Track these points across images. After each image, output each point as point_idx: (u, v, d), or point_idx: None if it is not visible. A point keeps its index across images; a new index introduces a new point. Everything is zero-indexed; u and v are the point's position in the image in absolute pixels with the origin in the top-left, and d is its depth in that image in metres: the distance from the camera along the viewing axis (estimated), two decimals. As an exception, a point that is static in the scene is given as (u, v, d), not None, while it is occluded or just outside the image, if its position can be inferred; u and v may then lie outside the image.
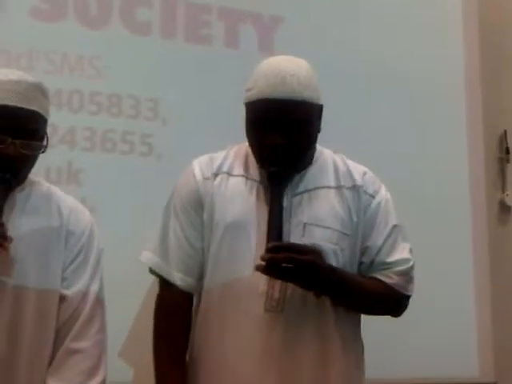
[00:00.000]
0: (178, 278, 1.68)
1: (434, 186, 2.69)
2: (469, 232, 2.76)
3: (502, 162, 2.92)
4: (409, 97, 2.73)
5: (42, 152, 1.59)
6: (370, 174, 1.76)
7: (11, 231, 1.47)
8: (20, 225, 1.54)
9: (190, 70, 2.42)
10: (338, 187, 1.71)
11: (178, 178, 1.78)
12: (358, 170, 1.76)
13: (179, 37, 2.44)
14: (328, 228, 1.66)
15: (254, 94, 1.64)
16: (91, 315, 1.58)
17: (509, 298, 2.82)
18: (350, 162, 1.77)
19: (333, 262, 1.63)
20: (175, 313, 1.68)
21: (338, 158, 1.77)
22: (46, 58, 2.27)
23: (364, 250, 1.70)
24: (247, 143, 1.72)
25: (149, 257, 1.72)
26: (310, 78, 1.65)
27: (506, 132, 2.93)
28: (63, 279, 1.58)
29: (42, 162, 2.16)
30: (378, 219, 1.71)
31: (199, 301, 1.71)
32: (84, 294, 1.58)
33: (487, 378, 2.73)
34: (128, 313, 2.14)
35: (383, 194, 1.75)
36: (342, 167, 1.75)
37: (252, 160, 1.72)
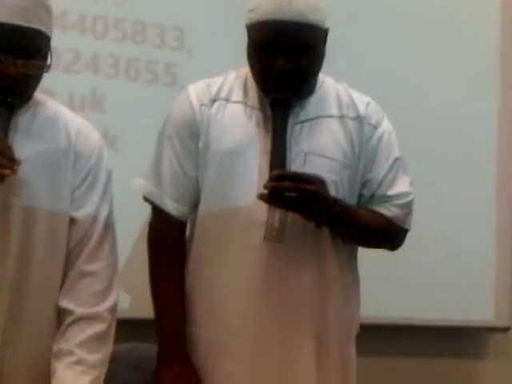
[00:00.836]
0: (171, 206, 1.64)
1: (462, 133, 2.66)
2: (494, 176, 2.73)
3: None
4: (440, 42, 2.65)
5: (46, 71, 1.53)
6: (373, 104, 1.71)
7: (18, 154, 1.43)
8: (26, 147, 1.50)
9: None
10: (341, 117, 1.66)
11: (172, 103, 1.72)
12: (361, 99, 1.70)
13: (208, -36, 2.38)
14: (330, 158, 1.62)
15: (259, 15, 1.57)
16: (102, 238, 1.56)
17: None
18: (353, 92, 1.71)
19: (333, 192, 1.60)
20: (169, 240, 1.66)
21: (341, 87, 1.71)
22: (70, -19, 2.23)
23: (365, 183, 1.67)
24: (247, 68, 1.66)
25: (142, 184, 1.67)
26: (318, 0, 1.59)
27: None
28: (72, 200, 1.56)
29: (66, 87, 2.19)
30: (380, 151, 1.67)
31: (192, 231, 1.67)
32: (94, 218, 1.56)
33: (501, 323, 2.74)
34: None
35: (386, 125, 1.70)
36: (344, 97, 1.69)
37: (251, 86, 1.66)
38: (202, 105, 1.65)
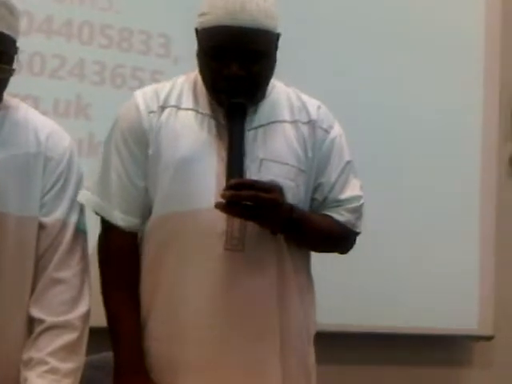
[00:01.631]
0: (119, 219, 1.58)
1: (446, 135, 2.68)
2: (477, 182, 2.75)
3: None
4: (425, 44, 2.68)
5: (10, 75, 1.48)
6: (323, 109, 1.69)
7: None
8: None
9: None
10: (294, 121, 1.64)
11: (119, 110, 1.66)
12: (312, 104, 1.68)
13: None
14: (285, 164, 1.59)
15: (211, 21, 1.53)
16: (71, 245, 1.53)
17: (513, 252, 2.82)
18: (304, 96, 1.69)
19: (289, 198, 1.57)
20: (120, 253, 1.59)
21: (292, 92, 1.69)
22: (56, -14, 2.22)
23: (317, 187, 1.65)
24: (195, 72, 1.63)
25: (87, 197, 1.59)
26: (270, 3, 1.55)
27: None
28: (42, 206, 1.52)
29: (51, 93, 2.18)
30: (332, 155, 1.65)
31: (145, 241, 1.60)
32: (63, 223, 1.53)
33: (485, 332, 2.75)
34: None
35: (337, 129, 1.69)
36: (295, 101, 1.67)
37: (201, 91, 1.62)
38: (150, 112, 1.60)
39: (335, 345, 2.38)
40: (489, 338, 2.77)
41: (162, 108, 1.60)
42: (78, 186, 1.57)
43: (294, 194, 1.60)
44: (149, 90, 1.64)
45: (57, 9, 2.19)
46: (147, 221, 1.60)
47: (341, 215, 1.65)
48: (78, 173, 1.58)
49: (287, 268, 1.61)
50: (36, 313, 1.50)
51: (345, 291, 2.45)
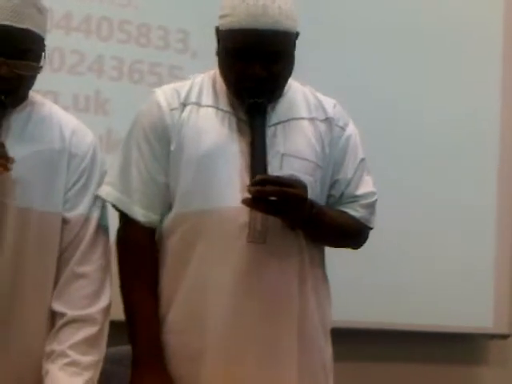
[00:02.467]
0: (139, 214, 1.59)
1: (463, 133, 2.67)
2: (494, 178, 2.75)
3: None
4: (445, 46, 2.67)
5: (38, 73, 1.51)
6: (339, 107, 1.72)
7: (11, 154, 1.42)
8: (20, 148, 1.48)
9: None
10: (311, 119, 1.67)
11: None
12: (328, 102, 1.71)
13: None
14: (305, 159, 1.62)
15: (234, 23, 1.56)
16: (94, 240, 1.55)
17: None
18: (319, 94, 1.72)
19: (308, 193, 1.59)
20: (141, 250, 1.61)
21: (307, 90, 1.72)
22: (75, -18, 2.24)
23: (334, 183, 1.68)
24: (213, 71, 1.66)
25: (108, 191, 1.60)
26: (290, 5, 1.58)
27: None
28: (65, 201, 1.54)
29: (70, 88, 2.19)
30: (348, 152, 1.68)
31: (166, 236, 1.61)
32: (86, 218, 1.55)
33: (501, 330, 2.75)
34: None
35: (352, 127, 1.72)
36: (312, 99, 1.70)
37: (220, 89, 1.64)
38: (172, 109, 1.61)
39: (347, 341, 2.38)
40: (504, 337, 2.76)
41: (184, 105, 1.62)
42: (101, 182, 1.59)
43: (313, 188, 1.61)
44: (168, 88, 1.66)
45: (76, 5, 2.21)
46: (165, 217, 1.61)
47: (356, 211, 1.67)
48: (101, 169, 1.60)
49: (305, 261, 1.62)
50: (58, 307, 1.52)
51: (358, 288, 2.46)
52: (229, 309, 1.56)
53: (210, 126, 1.61)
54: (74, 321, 1.50)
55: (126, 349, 1.66)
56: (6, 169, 1.40)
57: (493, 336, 2.78)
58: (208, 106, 1.63)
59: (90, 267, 1.54)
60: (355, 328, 2.47)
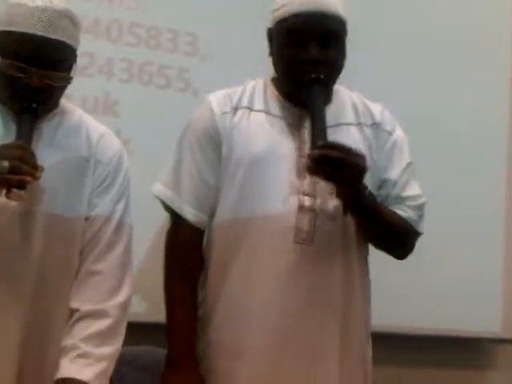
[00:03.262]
0: (189, 213, 1.65)
1: (472, 137, 2.66)
2: (503, 182, 2.73)
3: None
4: (454, 45, 2.66)
5: (69, 83, 1.55)
6: (387, 112, 1.76)
7: (40, 161, 1.46)
8: (49, 155, 1.53)
9: (232, 5, 2.37)
10: (359, 124, 1.71)
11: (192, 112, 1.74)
12: (375, 107, 1.75)
13: (222, -30, 2.39)
14: None
15: (287, 11, 1.62)
16: (113, 239, 1.58)
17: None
18: (367, 100, 1.77)
19: None
20: (187, 248, 1.66)
21: (355, 96, 1.76)
22: (85, -15, 2.24)
23: (380, 184, 1.71)
24: (264, 77, 1.69)
25: (160, 189, 1.68)
26: None
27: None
28: (88, 202, 1.58)
29: (79, 90, 2.19)
30: (394, 155, 1.72)
31: (211, 237, 1.67)
32: (107, 218, 1.58)
33: (509, 334, 2.73)
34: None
35: (399, 132, 1.76)
36: (360, 105, 1.74)
37: (272, 95, 1.69)
38: (223, 113, 1.67)
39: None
40: (513, 341, 2.76)
41: (235, 109, 1.67)
42: (125, 184, 1.63)
43: None
44: (221, 93, 1.72)
45: (86, 8, 2.21)
46: (213, 219, 1.66)
47: (404, 211, 1.70)
48: (126, 174, 1.64)
49: (354, 264, 1.65)
50: (73, 303, 1.54)
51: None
52: (272, 308, 1.59)
53: (259, 130, 1.65)
54: (87, 315, 1.52)
55: (132, 349, 1.68)
56: (35, 177, 1.43)
57: (501, 341, 2.76)
58: (259, 111, 1.68)
59: (106, 265, 1.56)
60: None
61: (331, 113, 1.66)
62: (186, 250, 1.66)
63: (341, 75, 1.70)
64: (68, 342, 1.51)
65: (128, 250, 1.60)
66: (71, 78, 1.55)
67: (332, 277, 1.62)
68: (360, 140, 1.68)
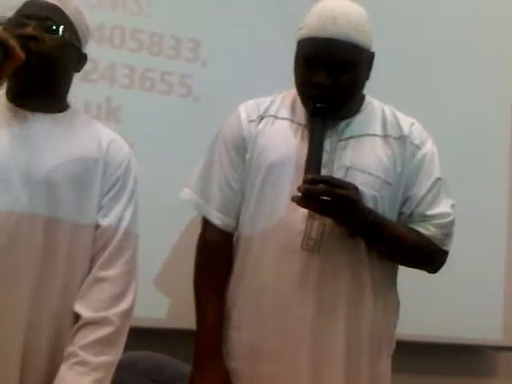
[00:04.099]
0: (215, 217, 1.71)
1: (473, 145, 2.66)
2: (505, 190, 2.73)
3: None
4: (456, 49, 2.66)
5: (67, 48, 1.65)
6: (417, 125, 1.76)
7: (49, 157, 1.49)
8: (58, 152, 1.54)
9: (233, 12, 2.38)
10: (385, 136, 1.71)
11: (221, 121, 1.80)
12: (405, 120, 1.76)
13: (224, -22, 2.40)
14: (371, 174, 1.66)
15: (305, 33, 1.65)
16: (120, 247, 1.58)
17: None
18: (399, 114, 1.77)
19: (371, 207, 1.64)
20: (214, 250, 1.72)
21: (387, 109, 1.78)
22: (88, -9, 2.25)
23: (405, 200, 1.70)
24: (295, 89, 1.72)
25: (189, 195, 1.75)
26: (363, 22, 1.65)
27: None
28: (100, 207, 1.59)
29: (82, 96, 2.20)
30: (422, 170, 1.71)
31: (237, 243, 1.73)
32: (114, 229, 1.59)
33: (510, 342, 2.72)
34: (161, 246, 2.17)
35: (429, 146, 1.75)
36: (390, 117, 1.75)
37: (299, 104, 1.72)
38: (250, 121, 1.72)
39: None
40: (514, 349, 2.75)
41: (261, 117, 1.73)
42: (133, 192, 1.64)
43: (378, 203, 1.65)
44: (251, 102, 1.78)
45: (89, 14, 2.22)
46: (238, 226, 1.73)
47: (427, 230, 1.69)
48: (134, 180, 1.65)
49: (364, 276, 1.66)
50: (78, 308, 1.55)
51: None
52: (283, 310, 1.63)
53: (281, 137, 1.69)
54: (89, 323, 1.53)
55: (132, 355, 1.68)
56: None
57: (502, 348, 2.75)
58: (284, 119, 1.72)
59: (112, 272, 1.57)
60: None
61: (358, 123, 1.70)
62: (213, 252, 1.72)
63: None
64: (69, 348, 1.52)
65: (133, 258, 1.62)
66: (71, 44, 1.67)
67: (337, 286, 1.64)
68: (384, 151, 1.69)
